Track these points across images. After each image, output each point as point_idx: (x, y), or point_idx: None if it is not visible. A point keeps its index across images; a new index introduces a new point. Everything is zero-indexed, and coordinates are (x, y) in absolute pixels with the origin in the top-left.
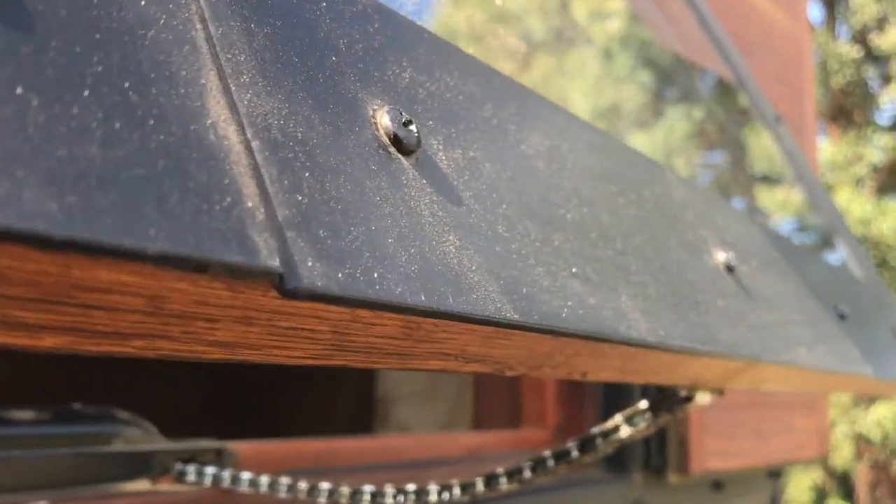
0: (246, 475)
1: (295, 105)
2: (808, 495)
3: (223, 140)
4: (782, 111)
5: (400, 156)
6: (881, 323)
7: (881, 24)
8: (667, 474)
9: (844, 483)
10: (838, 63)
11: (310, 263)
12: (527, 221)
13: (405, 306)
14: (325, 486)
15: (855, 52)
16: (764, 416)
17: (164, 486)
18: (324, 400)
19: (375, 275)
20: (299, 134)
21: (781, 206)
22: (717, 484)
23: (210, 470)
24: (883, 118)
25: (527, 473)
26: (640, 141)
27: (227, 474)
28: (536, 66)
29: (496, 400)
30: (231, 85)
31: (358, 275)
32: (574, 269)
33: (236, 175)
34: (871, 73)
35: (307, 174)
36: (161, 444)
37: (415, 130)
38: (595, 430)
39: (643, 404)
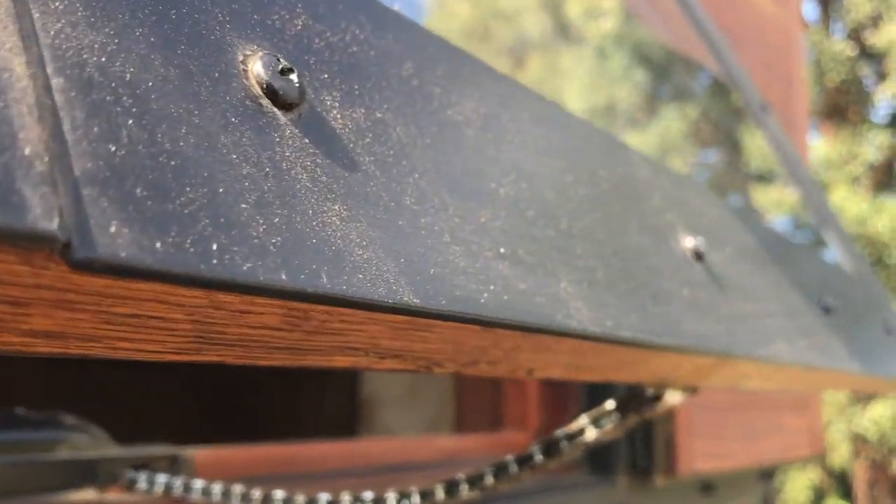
0: (198, 483)
1: (129, 42)
2: (805, 494)
3: (2, 73)
4: (771, 101)
5: (275, 109)
6: (872, 318)
7: (875, 21)
8: (653, 476)
9: (842, 482)
10: (833, 61)
11: (113, 228)
12: (445, 194)
13: (261, 286)
14: (279, 494)
15: (849, 49)
16: (754, 416)
17: (113, 495)
18: (308, 402)
19: (214, 246)
20: (128, 75)
21: (776, 204)
22: (707, 486)
23: (161, 478)
24: (878, 116)
25: (489, 480)
26: (635, 140)
27: (179, 482)
28: (530, 65)
29: (477, 402)
30: (33, 9)
31: (188, 245)
32: (502, 250)
33: (14, 116)
34: (865, 71)
35: (131, 122)
36: (110, 450)
37: (295, 81)
38: (559, 432)
39: (610, 404)
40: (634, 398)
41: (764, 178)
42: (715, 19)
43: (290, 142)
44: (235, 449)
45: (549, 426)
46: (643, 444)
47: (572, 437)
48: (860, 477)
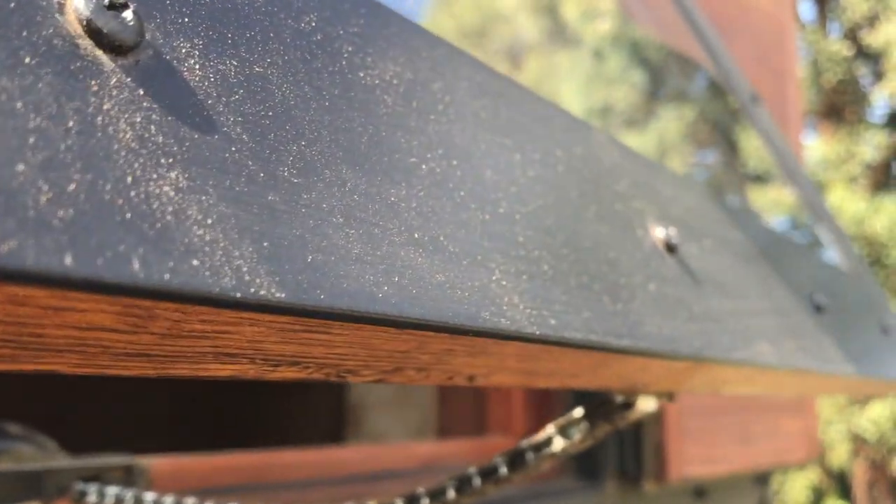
0: (150, 496)
1: None
2: (805, 495)
3: None
4: (763, 96)
5: (97, 52)
6: (868, 318)
7: (872, 21)
8: (642, 482)
9: (842, 482)
10: (830, 61)
11: None
12: (343, 167)
13: (38, 274)
14: None
15: (846, 49)
16: (749, 419)
17: None
18: (295, 408)
19: None
20: None
21: (774, 204)
22: (700, 491)
23: (112, 490)
24: (875, 116)
25: (450, 494)
26: (633, 141)
27: (130, 494)
28: (527, 66)
29: (462, 406)
30: None
31: None
32: (416, 235)
33: None
34: (862, 71)
35: None
36: (59, 461)
37: (129, 19)
38: (525, 443)
39: (578, 412)
40: (603, 406)
41: (761, 178)
42: (704, 10)
43: (115, 92)
44: (197, 458)
45: (534, 431)
46: (632, 449)
47: (539, 447)
48: (859, 477)
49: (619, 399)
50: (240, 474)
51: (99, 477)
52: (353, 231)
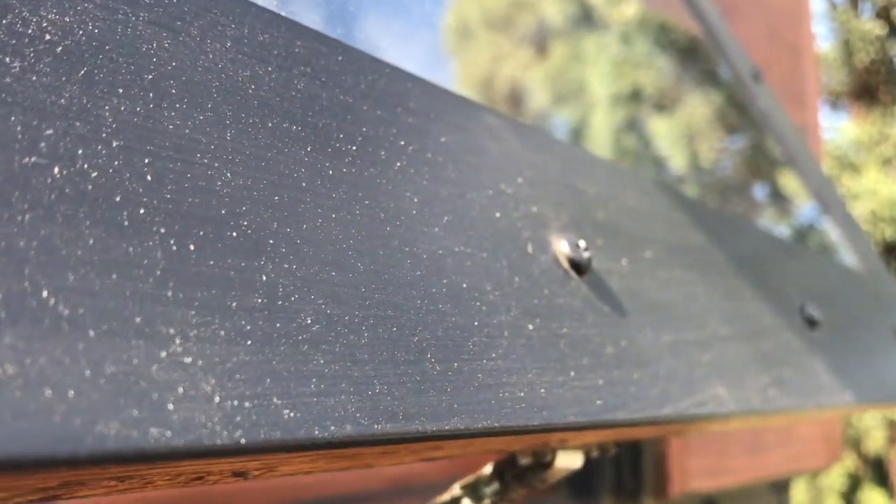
0: None
1: None
2: (840, 482)
3: None
4: (776, 74)
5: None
6: (878, 322)
7: None
8: (642, 499)
9: (878, 469)
10: (861, 40)
11: None
12: None
13: None
14: None
15: (878, 29)
16: (761, 429)
17: None
18: None
19: None
20: None
21: (804, 190)
22: (709, 501)
23: None
24: None
25: None
26: (661, 126)
27: None
28: (553, 53)
29: None
30: None
31: None
32: None
33: None
34: (895, 51)
35: None
36: None
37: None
38: None
39: (487, 469)
40: (511, 465)
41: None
42: None
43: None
44: None
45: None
46: (630, 463)
47: None
48: None
49: (525, 461)
50: (194, 499)
51: None
52: None
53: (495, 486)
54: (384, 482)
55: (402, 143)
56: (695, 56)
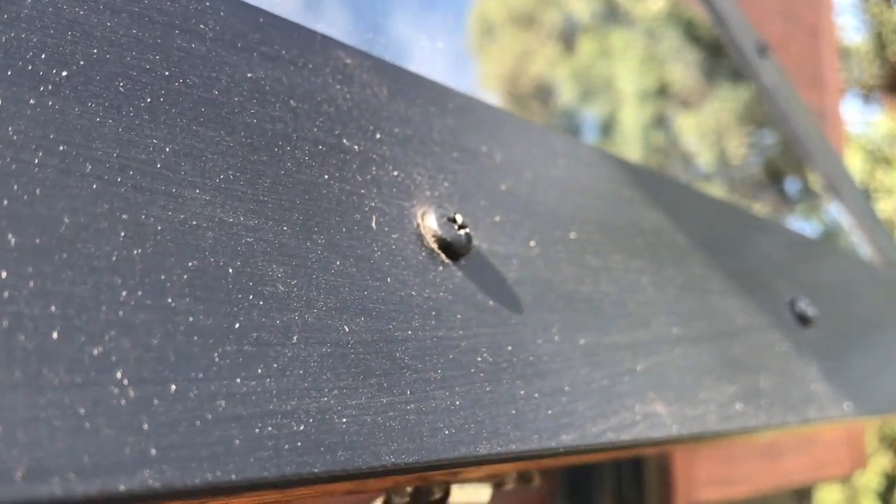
0: None
1: None
2: (876, 481)
3: None
4: (791, 55)
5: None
6: (891, 322)
7: None
8: None
9: None
10: (894, 33)
11: None
12: None
13: None
14: None
15: None
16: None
17: None
18: None
19: None
20: None
21: (812, 173)
22: None
23: None
24: None
25: None
26: (688, 122)
27: None
28: (581, 49)
29: None
30: None
31: None
32: None
33: None
34: None
35: None
36: None
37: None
38: None
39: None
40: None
41: None
42: None
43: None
44: None
45: None
46: (631, 471)
47: None
48: None
49: (402, 500)
50: None
51: None
52: None
53: None
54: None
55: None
56: (721, 51)
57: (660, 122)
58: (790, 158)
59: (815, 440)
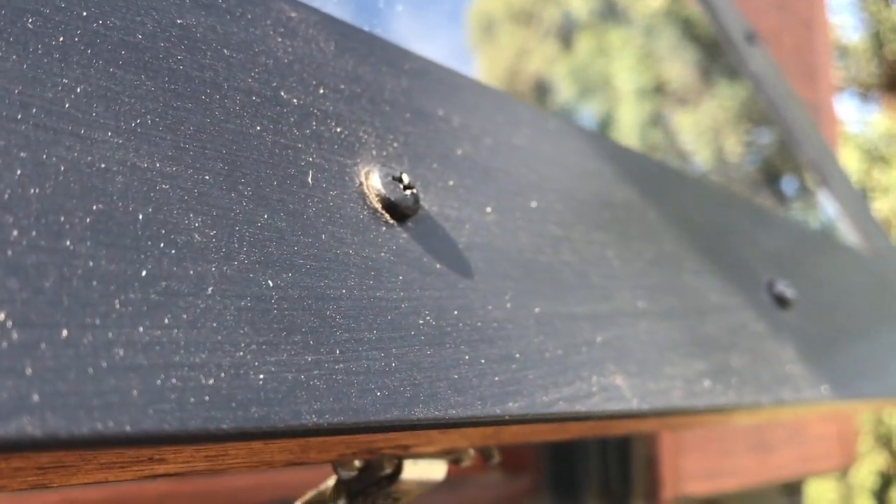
0: None
1: None
2: (871, 480)
3: None
4: (784, 46)
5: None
6: (880, 306)
7: None
8: (630, 501)
9: None
10: (893, 32)
11: None
12: None
13: None
14: None
15: None
16: (767, 425)
17: None
18: None
19: None
20: None
21: (799, 160)
22: None
23: None
24: None
25: None
26: (686, 120)
27: None
28: (579, 46)
29: None
30: None
31: None
32: None
33: None
34: None
35: None
36: None
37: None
38: None
39: (330, 482)
40: (357, 479)
41: None
42: None
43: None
44: None
45: None
46: (617, 461)
47: None
48: None
49: (349, 474)
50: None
51: None
52: None
53: (343, 501)
54: (276, 491)
55: None
56: (719, 49)
57: (657, 119)
58: (787, 157)
59: (805, 434)
